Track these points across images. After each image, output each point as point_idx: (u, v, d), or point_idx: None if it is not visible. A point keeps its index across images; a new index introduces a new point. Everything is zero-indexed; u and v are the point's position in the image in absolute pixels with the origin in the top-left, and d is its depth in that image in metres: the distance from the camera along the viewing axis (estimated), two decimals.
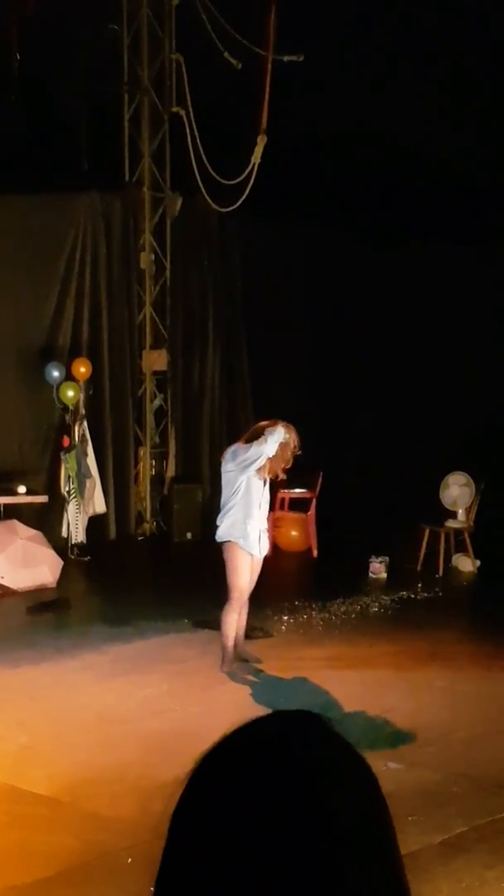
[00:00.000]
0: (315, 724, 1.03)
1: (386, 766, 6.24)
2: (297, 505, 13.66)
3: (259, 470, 8.17)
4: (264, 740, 1.01)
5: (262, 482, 8.29)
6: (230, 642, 8.41)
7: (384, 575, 12.29)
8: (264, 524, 8.41)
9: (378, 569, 12.34)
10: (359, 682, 8.27)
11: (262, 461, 8.13)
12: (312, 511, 13.52)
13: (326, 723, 1.03)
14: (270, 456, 8.12)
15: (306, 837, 0.93)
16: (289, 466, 8.33)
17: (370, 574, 12.30)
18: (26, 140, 13.42)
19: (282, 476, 8.42)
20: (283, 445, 8.16)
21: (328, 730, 1.03)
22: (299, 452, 8.24)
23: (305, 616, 10.51)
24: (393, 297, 16.07)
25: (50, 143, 13.66)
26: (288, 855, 0.92)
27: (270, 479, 8.38)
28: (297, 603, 10.75)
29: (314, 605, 10.83)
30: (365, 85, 14.24)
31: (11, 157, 13.09)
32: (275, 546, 13.40)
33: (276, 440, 8.10)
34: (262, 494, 8.31)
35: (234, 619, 8.37)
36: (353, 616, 10.64)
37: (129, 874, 5.07)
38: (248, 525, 8.25)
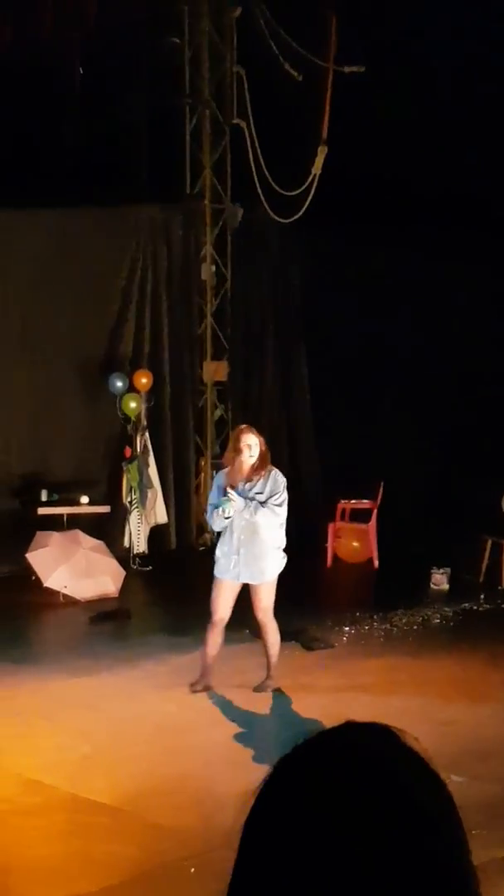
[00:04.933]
0: (389, 736, 1.02)
1: (449, 779, 6.18)
2: (359, 516, 13.60)
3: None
4: (338, 751, 1.00)
5: (240, 498, 8.00)
6: (203, 659, 8.31)
7: (446, 586, 12.21)
8: (249, 549, 7.99)
9: (440, 580, 12.26)
10: (419, 694, 8.22)
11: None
12: (373, 521, 13.47)
13: (399, 735, 1.02)
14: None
15: (386, 850, 0.92)
16: (246, 466, 8.16)
17: (431, 585, 12.22)
18: (88, 153, 13.52)
19: (242, 477, 8.14)
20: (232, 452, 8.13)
21: (401, 742, 1.02)
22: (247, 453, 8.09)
23: (366, 627, 10.46)
24: (454, 307, 15.97)
25: (111, 156, 13.74)
26: (368, 868, 0.91)
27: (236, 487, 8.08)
28: (357, 614, 10.70)
29: (375, 617, 10.78)
30: (430, 95, 14.16)
31: (73, 170, 13.20)
32: (335, 557, 13.42)
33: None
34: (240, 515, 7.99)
35: (207, 638, 8.20)
36: (414, 628, 10.58)
37: (192, 885, 5.07)
38: (219, 548, 8.19)
